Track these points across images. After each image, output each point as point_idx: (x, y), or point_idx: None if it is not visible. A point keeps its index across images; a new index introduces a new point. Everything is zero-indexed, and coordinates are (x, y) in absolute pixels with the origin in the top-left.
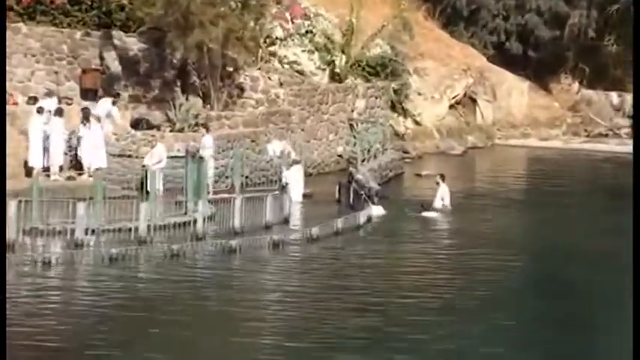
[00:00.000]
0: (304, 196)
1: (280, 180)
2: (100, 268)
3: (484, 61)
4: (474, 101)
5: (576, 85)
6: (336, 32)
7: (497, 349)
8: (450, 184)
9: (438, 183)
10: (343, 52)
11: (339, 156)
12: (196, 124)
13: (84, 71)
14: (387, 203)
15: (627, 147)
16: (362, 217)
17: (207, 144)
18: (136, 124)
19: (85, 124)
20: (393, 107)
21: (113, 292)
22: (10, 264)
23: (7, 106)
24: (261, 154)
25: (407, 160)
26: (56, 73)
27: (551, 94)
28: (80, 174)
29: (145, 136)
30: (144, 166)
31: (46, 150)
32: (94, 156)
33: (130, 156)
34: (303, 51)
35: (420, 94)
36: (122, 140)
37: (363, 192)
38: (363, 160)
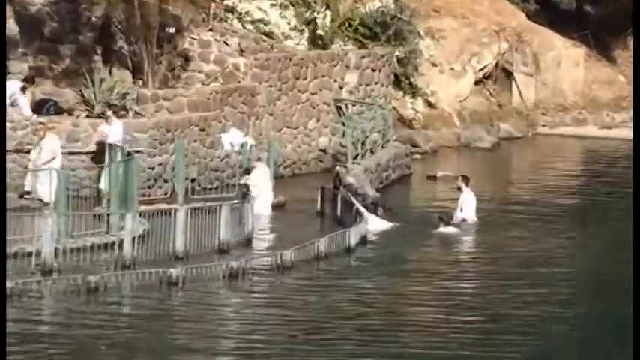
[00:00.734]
0: (273, 206)
1: (240, 184)
2: None
3: (523, 19)
4: (510, 75)
5: None
6: None
7: None
8: (476, 189)
9: (459, 188)
10: (328, 6)
11: (322, 151)
12: (124, 107)
13: None
14: (389, 216)
15: None
16: (354, 237)
17: (114, 134)
18: (39, 106)
19: None
20: (397, 83)
21: None
22: None
23: None
24: (214, 148)
25: (416, 156)
26: None
27: (615, 64)
28: None
29: (51, 123)
30: (26, 167)
31: None
32: None
33: (29, 151)
34: (273, 5)
35: (434, 64)
36: (20, 130)
37: (355, 201)
38: (355, 157)
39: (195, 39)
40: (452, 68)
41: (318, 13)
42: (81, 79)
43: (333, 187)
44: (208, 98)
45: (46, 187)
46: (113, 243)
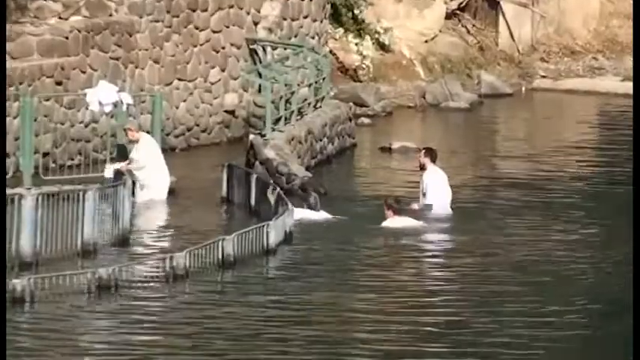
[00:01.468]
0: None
1: (113, 160)
2: None
3: None
4: (496, 4)
5: None
6: None
7: None
8: (448, 167)
9: (422, 166)
10: None
11: (230, 113)
12: None
13: None
14: (325, 205)
15: None
16: (274, 234)
17: None
18: None
19: None
20: (336, 17)
21: None
22: None
23: None
24: (75, 108)
25: (363, 120)
26: None
27: None
28: None
29: None
30: None
31: None
32: None
33: None
34: None
35: None
36: None
37: (276, 184)
38: (276, 122)
39: None
40: None
41: None
42: None
43: (246, 164)
44: (67, 38)
45: None
46: None
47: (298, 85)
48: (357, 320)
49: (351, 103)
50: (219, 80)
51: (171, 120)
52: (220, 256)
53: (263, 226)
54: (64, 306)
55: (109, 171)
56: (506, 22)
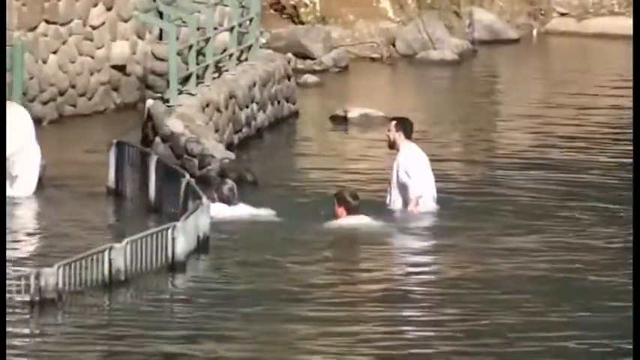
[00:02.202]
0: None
1: None
2: None
3: None
4: None
5: None
6: None
7: None
8: (427, 143)
9: (392, 144)
10: None
11: (119, 69)
12: None
13: None
14: (254, 197)
15: None
16: (182, 240)
17: None
18: None
19: None
20: None
21: None
22: None
23: None
24: None
25: (308, 77)
26: None
27: None
28: None
29: None
30: None
31: None
32: None
33: None
34: None
35: None
36: None
37: (184, 169)
38: (184, 82)
39: None
40: None
41: None
42: None
43: (142, 140)
44: None
45: None
46: None
47: (215, 28)
48: None
49: (289, 54)
50: (104, 23)
51: (37, 80)
52: (107, 273)
53: (167, 229)
54: None
55: None
56: None
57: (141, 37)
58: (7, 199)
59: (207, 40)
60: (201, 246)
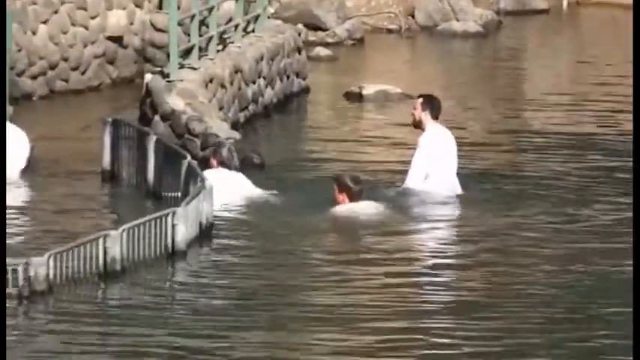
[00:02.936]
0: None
1: None
2: None
3: None
4: None
5: None
6: None
7: None
8: (451, 123)
9: (417, 124)
10: None
11: (115, 41)
12: None
13: None
14: (261, 178)
15: None
16: (182, 227)
17: None
18: None
19: None
20: None
21: None
22: None
23: None
24: None
25: (320, 51)
26: None
27: None
28: None
29: None
30: None
31: None
32: None
33: None
34: None
35: None
36: None
37: (186, 150)
38: (186, 55)
39: None
40: None
41: None
42: None
43: (140, 118)
44: None
45: None
46: None
47: None
48: None
49: (300, 25)
50: None
51: (25, 52)
52: (101, 263)
53: (166, 215)
54: None
55: None
56: None
57: (139, 5)
58: None
59: (210, 10)
60: (204, 233)
